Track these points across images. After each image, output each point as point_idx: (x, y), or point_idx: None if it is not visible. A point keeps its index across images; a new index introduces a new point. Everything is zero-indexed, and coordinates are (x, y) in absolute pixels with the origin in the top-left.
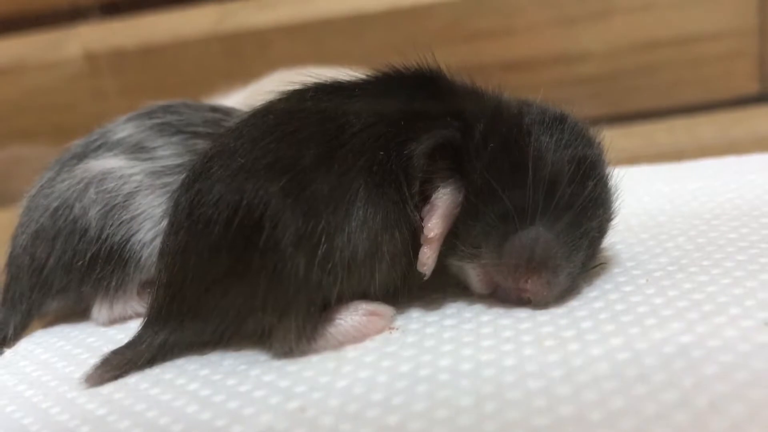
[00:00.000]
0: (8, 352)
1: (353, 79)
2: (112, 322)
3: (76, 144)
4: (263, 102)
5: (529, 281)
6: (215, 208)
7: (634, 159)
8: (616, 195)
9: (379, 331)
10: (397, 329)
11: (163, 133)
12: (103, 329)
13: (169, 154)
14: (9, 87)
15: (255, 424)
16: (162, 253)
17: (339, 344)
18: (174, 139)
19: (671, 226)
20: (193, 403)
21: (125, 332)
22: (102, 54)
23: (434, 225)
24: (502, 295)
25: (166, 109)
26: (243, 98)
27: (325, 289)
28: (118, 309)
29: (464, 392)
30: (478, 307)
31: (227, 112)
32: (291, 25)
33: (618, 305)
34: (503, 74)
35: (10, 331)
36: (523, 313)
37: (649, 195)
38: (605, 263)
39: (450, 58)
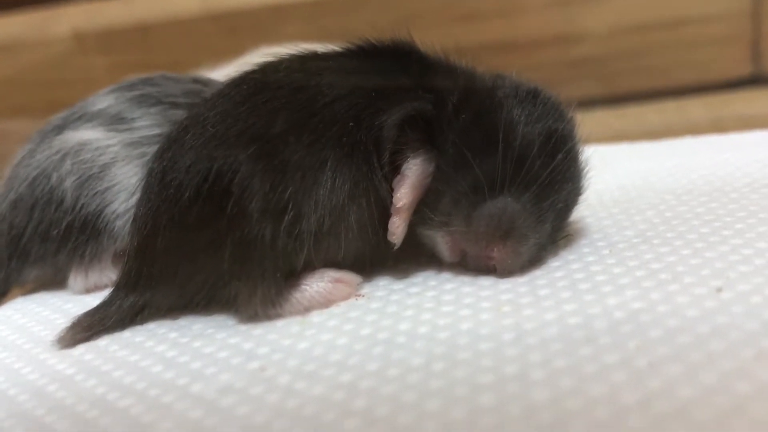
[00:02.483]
0: None
1: (327, 50)
2: (88, 290)
3: (57, 116)
4: (239, 73)
5: (496, 249)
6: (186, 174)
7: (624, 139)
8: (585, 169)
9: (345, 298)
10: (363, 296)
11: (142, 105)
12: (80, 297)
13: (148, 124)
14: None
15: (215, 382)
16: (135, 218)
17: (304, 309)
18: (153, 110)
19: (642, 201)
20: (159, 364)
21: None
22: (94, 32)
23: (403, 195)
24: (470, 263)
25: (146, 82)
26: (228, 74)
27: (291, 256)
28: (94, 277)
29: (417, 353)
30: (444, 276)
31: (207, 83)
32: (285, 4)
33: (578, 274)
34: (498, 54)
35: None
36: (486, 281)
37: (625, 171)
38: (572, 235)
39: (445, 38)
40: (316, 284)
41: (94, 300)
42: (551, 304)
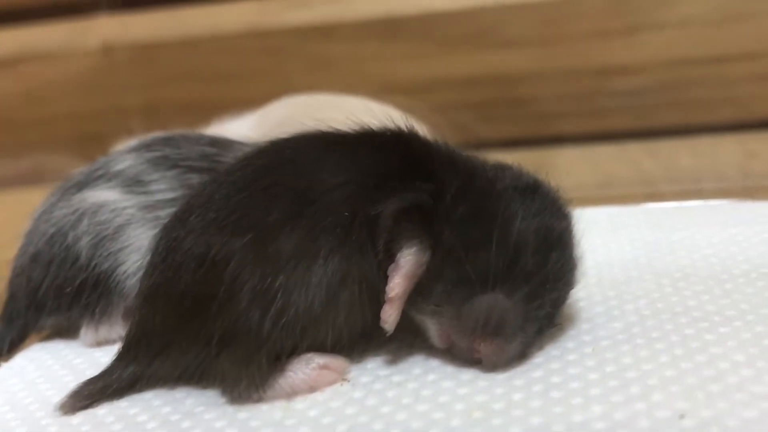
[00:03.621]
0: (4, 366)
1: (333, 132)
2: (99, 343)
3: (80, 172)
4: (249, 152)
5: (483, 344)
6: (185, 257)
7: (651, 187)
8: (579, 268)
9: (330, 384)
10: (348, 381)
11: (159, 167)
12: (90, 350)
13: (164, 188)
14: (35, 75)
15: None
16: (138, 291)
17: (288, 396)
18: (169, 173)
19: (639, 284)
20: None
21: (110, 356)
22: (131, 45)
23: (396, 285)
24: (458, 353)
25: (166, 142)
26: (252, 124)
27: (277, 343)
28: (103, 332)
29: None
30: (429, 365)
31: (225, 146)
32: (328, 25)
33: (555, 377)
34: (534, 83)
35: (6, 346)
36: (466, 376)
37: (632, 242)
38: (563, 323)
39: (481, 66)
40: (302, 371)
41: (102, 356)
42: (520, 415)
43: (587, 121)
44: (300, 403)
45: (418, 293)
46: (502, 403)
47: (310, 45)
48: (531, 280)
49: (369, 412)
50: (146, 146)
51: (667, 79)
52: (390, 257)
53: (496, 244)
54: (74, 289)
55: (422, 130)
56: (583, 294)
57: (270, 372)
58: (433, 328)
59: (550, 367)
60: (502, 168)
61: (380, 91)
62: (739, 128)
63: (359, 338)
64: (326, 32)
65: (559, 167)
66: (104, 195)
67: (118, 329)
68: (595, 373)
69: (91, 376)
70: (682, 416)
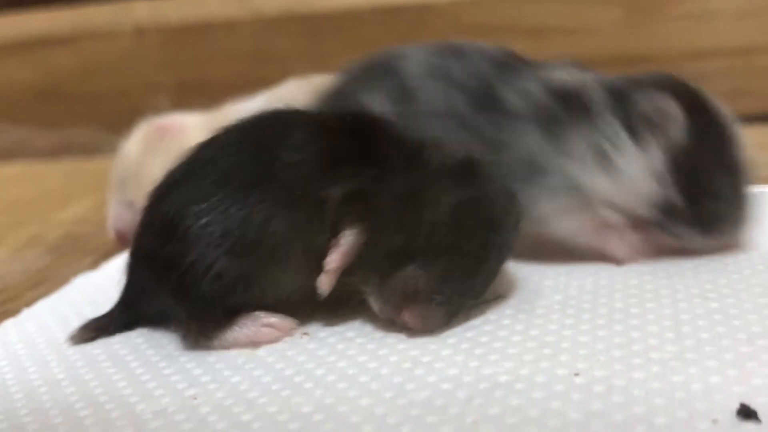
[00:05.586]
0: (25, 312)
1: (301, 112)
2: None
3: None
4: (228, 124)
5: (405, 313)
6: (156, 212)
7: None
8: (506, 241)
9: (272, 342)
10: (308, 334)
11: (432, 78)
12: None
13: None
14: (80, 53)
15: (155, 404)
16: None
17: (231, 347)
18: (437, 84)
19: (593, 264)
20: (125, 380)
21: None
22: (181, 25)
23: (332, 260)
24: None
25: (456, 53)
26: (260, 104)
27: (223, 299)
28: None
29: (310, 402)
30: (380, 322)
31: (507, 70)
32: (363, 9)
33: (483, 338)
34: None
35: None
36: (391, 339)
37: None
38: (505, 295)
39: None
40: (247, 327)
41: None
42: (441, 367)
43: None
44: (262, 351)
45: (359, 268)
46: (430, 357)
47: (346, 29)
48: (445, 252)
49: (316, 360)
50: (437, 51)
51: (692, 70)
52: (337, 232)
53: (413, 222)
54: None
55: None
56: (547, 266)
57: (218, 324)
58: (371, 300)
59: (483, 329)
60: (438, 147)
61: None
62: (763, 120)
63: (328, 302)
64: (362, 16)
65: None
66: None
67: None
68: (518, 336)
69: (93, 317)
70: (576, 374)
